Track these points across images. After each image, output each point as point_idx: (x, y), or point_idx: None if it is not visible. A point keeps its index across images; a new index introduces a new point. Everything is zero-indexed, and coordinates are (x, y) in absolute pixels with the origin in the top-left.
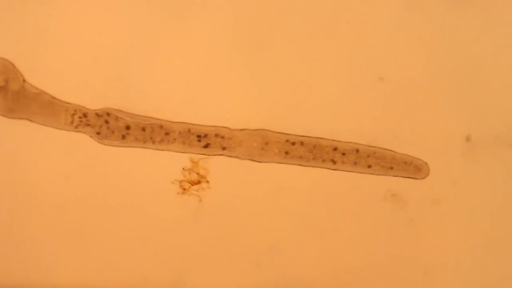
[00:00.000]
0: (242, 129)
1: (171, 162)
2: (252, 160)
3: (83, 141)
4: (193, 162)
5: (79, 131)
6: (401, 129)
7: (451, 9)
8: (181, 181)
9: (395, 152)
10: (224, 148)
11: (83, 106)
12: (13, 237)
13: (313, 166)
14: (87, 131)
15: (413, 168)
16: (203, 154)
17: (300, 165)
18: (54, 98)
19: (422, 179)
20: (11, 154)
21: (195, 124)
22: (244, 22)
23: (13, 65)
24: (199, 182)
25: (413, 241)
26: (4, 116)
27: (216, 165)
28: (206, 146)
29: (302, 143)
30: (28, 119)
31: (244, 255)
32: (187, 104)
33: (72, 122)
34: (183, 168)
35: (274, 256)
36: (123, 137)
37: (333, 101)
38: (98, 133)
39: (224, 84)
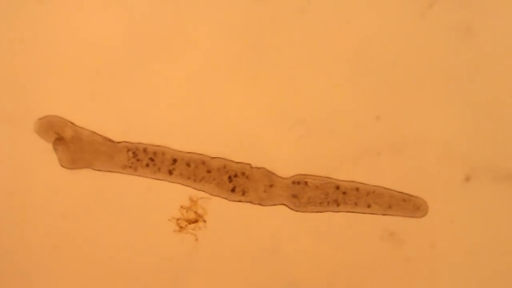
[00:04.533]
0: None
1: (169, 199)
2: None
3: (78, 177)
4: (192, 200)
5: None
6: (399, 167)
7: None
8: (178, 219)
9: (393, 190)
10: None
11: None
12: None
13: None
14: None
15: (412, 207)
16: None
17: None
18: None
19: (420, 217)
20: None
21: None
22: (242, 27)
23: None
24: (196, 221)
25: (410, 281)
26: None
27: (214, 205)
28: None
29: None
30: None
31: None
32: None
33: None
34: (181, 206)
35: None
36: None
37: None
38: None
39: (222, 90)
